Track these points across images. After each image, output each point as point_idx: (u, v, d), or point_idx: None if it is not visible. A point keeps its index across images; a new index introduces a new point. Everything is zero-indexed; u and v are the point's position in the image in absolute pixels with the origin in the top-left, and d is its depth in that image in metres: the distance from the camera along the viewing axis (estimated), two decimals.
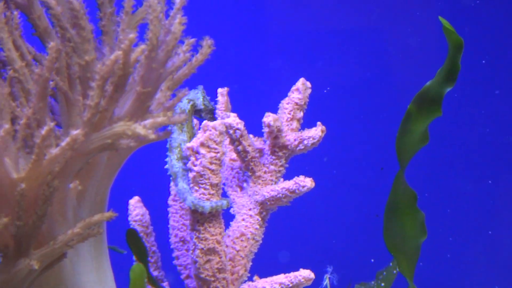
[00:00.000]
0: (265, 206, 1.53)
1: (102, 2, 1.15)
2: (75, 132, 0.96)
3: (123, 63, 0.99)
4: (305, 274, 1.44)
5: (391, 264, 1.61)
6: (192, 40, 1.12)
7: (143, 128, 1.00)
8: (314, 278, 1.50)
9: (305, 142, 1.54)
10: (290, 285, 1.44)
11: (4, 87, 1.00)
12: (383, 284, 1.57)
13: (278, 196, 1.51)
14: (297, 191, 1.50)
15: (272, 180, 1.55)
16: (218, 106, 1.64)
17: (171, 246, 1.59)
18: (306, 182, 1.49)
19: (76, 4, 1.02)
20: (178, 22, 1.06)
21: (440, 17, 1.14)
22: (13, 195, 0.97)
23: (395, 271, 1.58)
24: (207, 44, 1.13)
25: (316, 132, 1.54)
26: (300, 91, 1.57)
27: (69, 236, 1.01)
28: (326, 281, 1.61)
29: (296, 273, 1.45)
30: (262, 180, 1.55)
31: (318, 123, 1.55)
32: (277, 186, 1.52)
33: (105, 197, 1.16)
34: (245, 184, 1.58)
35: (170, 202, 1.62)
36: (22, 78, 1.04)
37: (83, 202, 1.10)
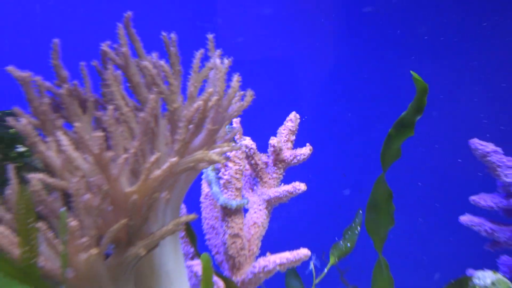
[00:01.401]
0: (270, 203, 1.57)
1: (173, 62, 1.17)
2: (173, 159, 0.99)
3: (203, 110, 1.03)
4: (305, 252, 1.48)
5: (353, 224, 1.61)
6: (242, 93, 1.16)
7: (217, 155, 1.05)
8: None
9: (298, 157, 1.60)
10: (294, 259, 1.48)
11: (119, 127, 1.03)
12: (349, 244, 1.58)
13: (280, 196, 1.56)
14: (294, 192, 1.55)
15: (274, 184, 1.60)
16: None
17: (204, 232, 1.61)
18: (301, 186, 1.55)
19: (166, 67, 1.06)
20: (236, 80, 1.11)
21: (411, 72, 1.16)
22: (126, 204, 1.00)
23: (356, 231, 1.59)
24: (250, 94, 1.17)
25: (306, 150, 1.60)
26: (293, 121, 1.63)
27: (164, 231, 1.04)
28: (311, 266, 1.63)
29: (298, 251, 1.49)
30: (268, 184, 1.60)
31: (307, 144, 1.61)
32: (279, 189, 1.56)
33: (181, 202, 1.19)
34: (255, 187, 1.62)
35: (202, 199, 1.64)
36: (128, 120, 1.07)
37: (168, 206, 1.12)
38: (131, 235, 1.03)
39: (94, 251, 0.97)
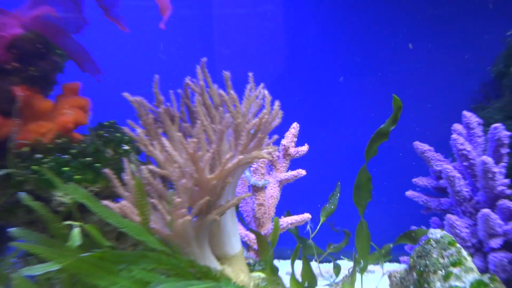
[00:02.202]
0: (281, 183, 1.58)
1: (229, 91, 1.16)
2: (241, 157, 1.00)
3: (259, 124, 1.04)
4: (307, 215, 1.50)
5: (334, 192, 1.60)
6: (281, 112, 1.15)
7: (266, 154, 1.06)
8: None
9: (299, 152, 1.61)
10: (300, 220, 1.49)
11: (203, 135, 1.03)
12: (332, 206, 1.55)
13: (288, 178, 1.56)
14: (298, 176, 1.56)
15: (284, 170, 1.60)
16: None
17: None
18: (302, 172, 1.56)
19: (234, 95, 1.06)
20: (277, 105, 1.11)
21: (393, 94, 1.12)
22: (208, 186, 1.00)
23: (337, 197, 1.57)
24: (281, 113, 1.17)
25: (304, 148, 1.61)
26: (295, 128, 1.63)
27: (231, 203, 1.04)
28: (308, 227, 1.62)
29: (302, 215, 1.51)
30: (279, 170, 1.60)
31: (305, 144, 1.62)
32: (287, 173, 1.57)
33: (237, 184, 1.18)
34: (271, 172, 1.62)
35: None
36: (207, 130, 1.07)
37: (230, 187, 1.12)
38: (209, 206, 1.03)
39: (188, 217, 0.98)
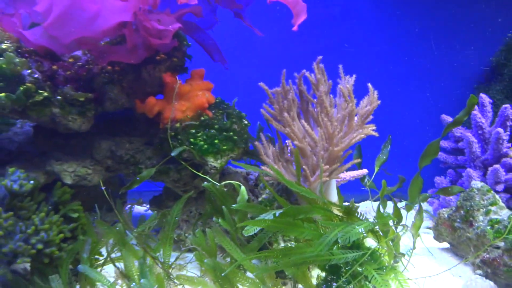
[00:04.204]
0: None
1: (323, 79, 1.40)
2: (361, 134, 1.27)
3: (369, 112, 1.31)
4: (364, 170, 1.79)
5: (385, 143, 1.73)
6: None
7: (371, 131, 1.33)
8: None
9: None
10: (360, 174, 1.77)
11: (334, 120, 1.28)
12: (384, 156, 1.70)
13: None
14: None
15: None
16: None
17: None
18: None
19: (350, 89, 1.31)
20: (375, 93, 1.37)
21: (471, 95, 1.19)
22: (335, 155, 1.27)
23: (388, 148, 1.70)
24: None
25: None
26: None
27: (346, 166, 1.32)
28: (366, 180, 1.85)
29: (361, 170, 1.79)
30: None
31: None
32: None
33: None
34: None
35: None
36: (331, 117, 1.31)
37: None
38: (333, 170, 1.31)
39: (325, 178, 1.26)
